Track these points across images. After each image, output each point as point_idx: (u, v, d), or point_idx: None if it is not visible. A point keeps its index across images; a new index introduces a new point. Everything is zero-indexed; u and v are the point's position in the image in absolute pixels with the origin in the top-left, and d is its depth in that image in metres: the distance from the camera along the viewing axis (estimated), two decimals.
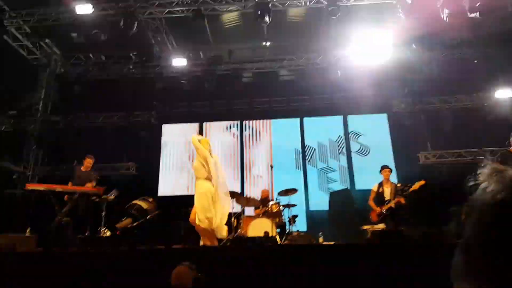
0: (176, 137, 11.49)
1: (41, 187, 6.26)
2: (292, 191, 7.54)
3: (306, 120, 11.38)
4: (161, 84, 10.19)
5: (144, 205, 4.39)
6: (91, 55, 10.30)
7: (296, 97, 11.38)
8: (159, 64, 10.34)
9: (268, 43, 10.14)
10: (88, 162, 7.04)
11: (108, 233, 5.92)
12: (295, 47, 10.32)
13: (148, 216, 4.29)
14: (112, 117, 11.20)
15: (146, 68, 10.29)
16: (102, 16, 8.40)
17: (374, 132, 10.99)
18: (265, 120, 11.43)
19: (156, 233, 4.80)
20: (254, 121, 11.47)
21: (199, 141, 5.25)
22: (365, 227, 7.18)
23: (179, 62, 9.98)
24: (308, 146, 11.16)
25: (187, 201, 9.52)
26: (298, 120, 11.39)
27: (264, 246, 4.05)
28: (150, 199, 4.55)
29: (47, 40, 9.63)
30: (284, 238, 7.16)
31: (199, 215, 4.62)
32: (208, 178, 5.06)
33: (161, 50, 9.91)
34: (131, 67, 10.45)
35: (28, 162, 9.69)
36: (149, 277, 3.43)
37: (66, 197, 6.20)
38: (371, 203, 6.69)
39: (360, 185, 10.34)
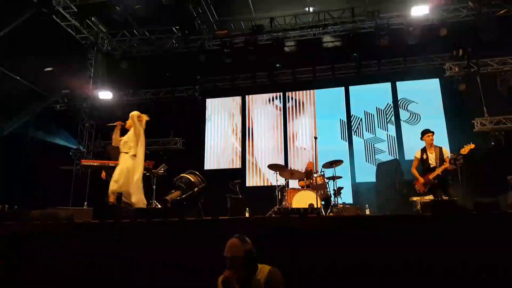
0: (219, 111, 11.59)
1: (95, 162, 6.64)
2: (337, 162, 7.36)
3: (352, 88, 10.94)
4: (204, 57, 10.17)
5: (191, 178, 4.50)
6: (135, 31, 10.47)
7: (341, 64, 10.91)
8: (200, 37, 10.30)
9: (311, 9, 9.70)
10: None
11: (159, 206, 6.20)
12: (339, 11, 9.76)
13: (196, 189, 4.40)
14: (158, 92, 11.49)
15: (188, 42, 10.30)
16: None
17: (425, 99, 10.35)
18: (308, 91, 11.14)
19: (203, 205, 4.93)
20: (297, 92, 11.22)
21: (138, 117, 5.47)
22: (414, 198, 6.90)
23: (221, 34, 9.89)
24: (354, 116, 10.78)
25: (232, 174, 9.84)
26: (343, 89, 10.98)
27: (308, 217, 3.99)
28: (197, 173, 4.65)
29: (93, 19, 9.90)
30: (329, 210, 7.10)
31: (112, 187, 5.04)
32: (133, 155, 5.32)
33: (202, 22, 9.84)
34: (174, 41, 10.51)
35: (82, 138, 10.27)
36: (199, 248, 3.53)
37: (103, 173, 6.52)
38: (414, 171, 6.25)
39: (409, 155, 9.86)
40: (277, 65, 10.42)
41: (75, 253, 3.67)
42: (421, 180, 6.06)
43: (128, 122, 5.55)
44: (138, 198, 5.06)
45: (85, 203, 6.80)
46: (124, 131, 5.65)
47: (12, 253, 3.71)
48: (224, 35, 9.84)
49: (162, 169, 7.01)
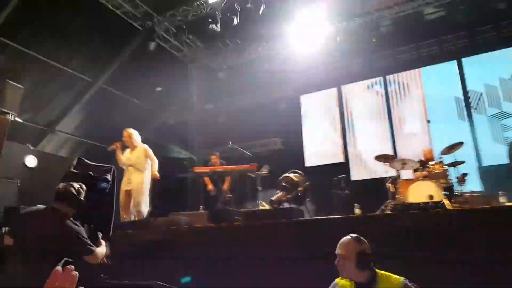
0: (315, 106, 11.35)
1: (206, 169, 7.10)
2: (457, 146, 6.51)
3: (465, 61, 9.58)
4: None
5: (294, 177, 4.44)
6: (228, 41, 10.94)
7: (449, 36, 9.65)
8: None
9: None
10: (214, 159, 7.51)
11: (266, 206, 6.30)
12: None
13: (300, 188, 4.32)
14: (254, 97, 11.83)
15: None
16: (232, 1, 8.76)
17: None
18: (413, 71, 10.14)
19: (309, 203, 4.83)
20: (399, 74, 10.30)
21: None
22: None
23: None
24: (472, 91, 9.40)
25: (334, 169, 9.51)
26: (455, 63, 9.67)
27: (430, 213, 3.55)
28: (300, 172, 4.56)
29: (190, 36, 10.66)
30: (452, 200, 6.31)
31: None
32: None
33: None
34: (264, 43, 10.66)
35: (193, 148, 11.12)
36: (308, 249, 3.43)
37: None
38: None
39: None
40: (374, 41, 9.60)
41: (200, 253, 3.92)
42: None
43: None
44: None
45: (201, 206, 7.29)
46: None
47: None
48: None
49: (265, 170, 7.13)
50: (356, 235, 2.44)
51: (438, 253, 2.87)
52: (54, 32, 8.69)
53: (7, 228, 4.63)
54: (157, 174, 5.62)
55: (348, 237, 2.43)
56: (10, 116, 4.78)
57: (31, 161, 7.70)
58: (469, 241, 2.93)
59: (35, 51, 8.63)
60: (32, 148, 8.21)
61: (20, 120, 8.62)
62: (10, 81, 5.05)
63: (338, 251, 2.41)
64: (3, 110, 4.75)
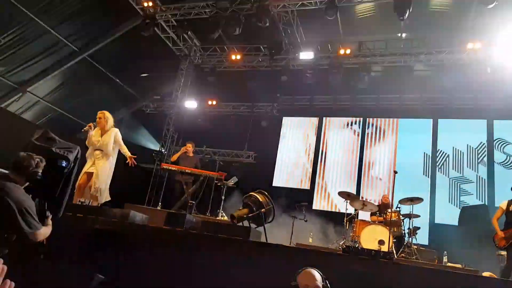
0: (295, 130, 11.55)
1: (173, 167, 7.01)
2: (416, 200, 6.79)
3: (441, 121, 10.09)
4: (286, 76, 10.27)
5: (260, 198, 4.47)
6: (226, 47, 10.98)
7: (432, 95, 10.17)
8: (286, 57, 10.42)
9: (404, 35, 9.24)
10: (189, 147, 7.48)
11: (225, 218, 6.30)
12: (435, 39, 9.14)
13: (263, 209, 4.37)
14: (239, 106, 11.89)
15: (274, 61, 10.50)
16: (238, 10, 8.85)
17: None
18: (392, 119, 10.56)
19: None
20: (379, 119, 10.70)
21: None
22: (502, 252, 6.05)
23: (306, 55, 9.93)
24: (441, 151, 9.90)
25: (299, 195, 9.67)
26: (431, 121, 10.18)
27: (378, 261, 3.68)
28: (266, 193, 4.62)
29: (189, 33, 10.61)
30: (401, 250, 6.55)
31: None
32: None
33: (290, 43, 9.96)
34: (260, 59, 10.79)
35: (166, 142, 10.97)
36: (259, 273, 3.46)
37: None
38: (495, 222, 5.48)
39: (501, 201, 8.75)
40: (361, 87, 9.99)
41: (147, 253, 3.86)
42: (501, 234, 5.31)
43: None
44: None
45: (160, 203, 7.18)
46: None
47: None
48: (310, 58, 9.87)
49: (232, 182, 7.15)
50: (316, 269, 2.43)
51: None
52: None
53: None
54: (133, 158, 5.48)
55: (310, 269, 2.39)
56: None
57: None
58: None
59: (26, 7, 8.30)
60: None
61: None
62: None
63: (310, 282, 2.31)
64: None
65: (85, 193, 5.09)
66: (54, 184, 3.15)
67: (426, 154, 9.96)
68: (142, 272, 3.70)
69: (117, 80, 11.32)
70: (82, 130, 5.28)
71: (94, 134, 5.29)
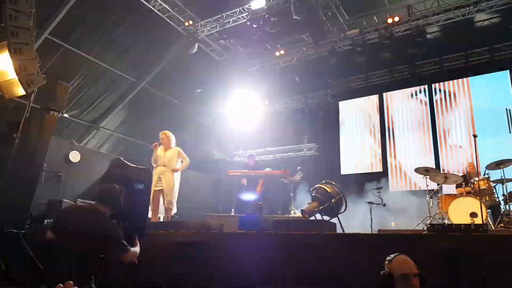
0: (354, 113, 11.08)
1: (238, 173, 7.15)
2: (506, 162, 6.08)
3: None
4: (335, 60, 9.89)
5: (328, 188, 4.34)
6: (268, 46, 10.94)
7: (502, 44, 9.06)
8: (331, 40, 10.06)
9: None
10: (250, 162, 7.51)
11: (297, 214, 6.23)
12: None
13: (333, 200, 4.22)
14: (292, 101, 11.75)
15: (319, 47, 10.20)
16: (275, 5, 8.78)
17: None
18: (461, 79, 9.62)
19: (343, 214, 4.70)
20: (446, 83, 9.81)
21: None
22: None
23: (352, 33, 9.47)
24: None
25: (372, 179, 9.22)
26: (507, 72, 9.07)
27: (471, 236, 3.33)
28: (334, 182, 4.45)
29: (231, 40, 10.76)
30: (498, 220, 5.90)
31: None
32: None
33: (333, 25, 9.61)
34: (304, 49, 10.56)
35: (226, 150, 11.22)
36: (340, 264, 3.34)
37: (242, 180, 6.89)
38: None
39: None
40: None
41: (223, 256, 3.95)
42: None
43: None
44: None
45: (232, 209, 7.35)
46: None
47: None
48: (357, 33, 9.38)
49: (298, 176, 7.07)
50: (405, 256, 2.27)
51: (476, 283, 2.68)
52: (103, 34, 9.14)
53: (50, 220, 4.92)
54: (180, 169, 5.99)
55: (401, 255, 2.25)
56: (58, 114, 5.07)
57: (75, 156, 8.20)
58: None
59: (85, 52, 9.11)
60: (76, 144, 8.72)
61: (67, 116, 9.19)
62: (60, 81, 5.35)
63: (409, 269, 2.19)
64: (53, 108, 5.04)
65: (157, 211, 5.47)
66: (134, 207, 3.39)
67: (508, 110, 8.87)
68: (236, 275, 3.78)
69: (175, 101, 11.88)
70: (149, 147, 5.78)
71: (158, 152, 5.75)
